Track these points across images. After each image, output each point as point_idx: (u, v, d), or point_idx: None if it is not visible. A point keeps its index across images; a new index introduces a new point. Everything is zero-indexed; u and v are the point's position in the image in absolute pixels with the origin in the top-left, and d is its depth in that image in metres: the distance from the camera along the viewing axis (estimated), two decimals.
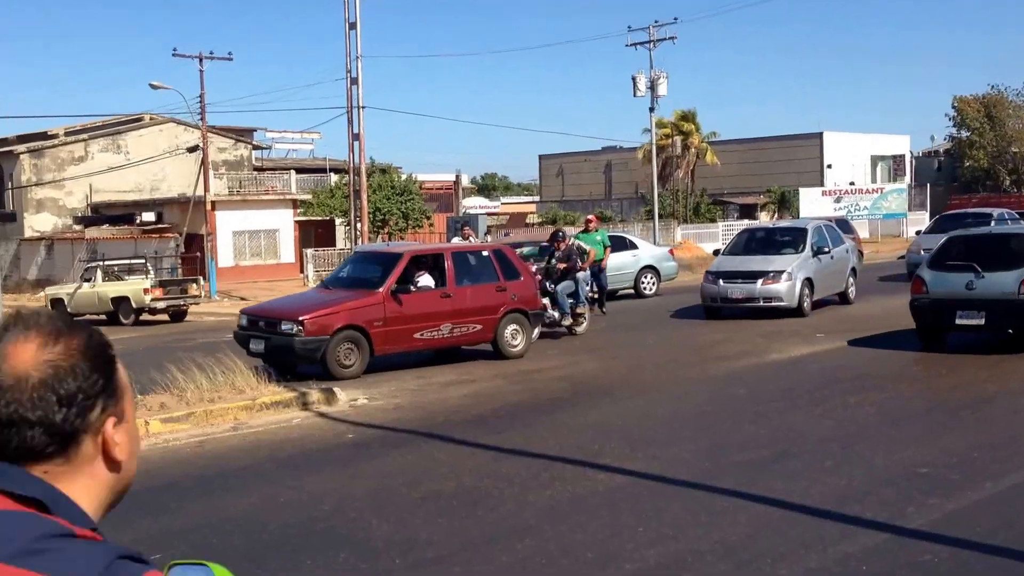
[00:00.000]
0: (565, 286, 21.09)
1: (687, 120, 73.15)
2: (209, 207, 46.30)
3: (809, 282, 22.41)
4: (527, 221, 70.68)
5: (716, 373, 15.82)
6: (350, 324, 16.57)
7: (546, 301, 20.63)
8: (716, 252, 25.16)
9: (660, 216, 52.24)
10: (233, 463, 10.97)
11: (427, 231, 49.27)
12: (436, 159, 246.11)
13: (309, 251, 47.38)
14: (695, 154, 73.01)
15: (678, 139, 69.98)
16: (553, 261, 21.54)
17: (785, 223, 27.70)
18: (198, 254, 44.22)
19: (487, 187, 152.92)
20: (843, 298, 24.50)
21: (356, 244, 36.54)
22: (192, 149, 47.32)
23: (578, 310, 21.20)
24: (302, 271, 47.91)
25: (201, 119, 43.21)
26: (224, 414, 13.29)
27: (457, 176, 58.87)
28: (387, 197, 45.86)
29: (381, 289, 17.11)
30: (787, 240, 23.51)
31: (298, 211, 51.44)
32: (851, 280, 24.70)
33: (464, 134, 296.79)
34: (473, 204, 75.67)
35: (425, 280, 17.80)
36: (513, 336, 18.35)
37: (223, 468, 10.74)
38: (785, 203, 70.14)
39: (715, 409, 12.89)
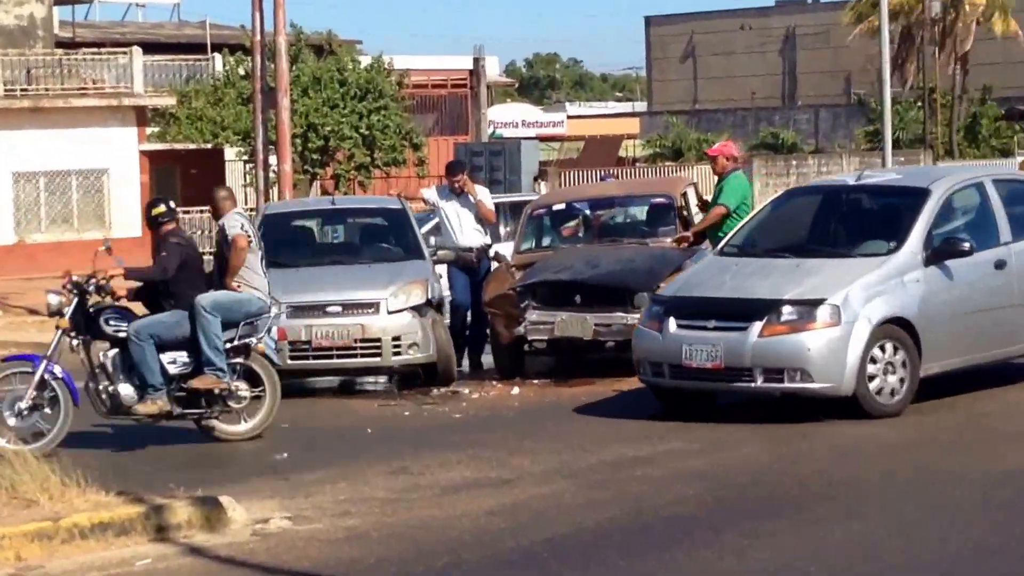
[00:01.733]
0: (156, 323, 19.00)
1: None
2: None
3: (906, 330, 19.41)
4: (621, 153, 70.81)
5: (1015, 466, 15.97)
6: None
7: (108, 357, 18.74)
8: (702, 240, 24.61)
9: (896, 143, 52.08)
10: None
11: (412, 174, 49.40)
12: (434, 30, 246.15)
13: None
14: (971, 20, 72.82)
15: None
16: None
17: (880, 176, 24.36)
18: None
19: (538, 84, 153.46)
20: None
21: (267, 199, 36.70)
22: None
23: (198, 383, 18.64)
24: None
25: None
26: None
27: (477, 59, 58.94)
28: (331, 103, 45.99)
29: None
30: (880, 220, 21.36)
31: (149, 131, 51.69)
32: None
33: None
34: (510, 117, 76.00)
35: None
36: None
37: None
38: None
39: (1015, 540, 12.86)
